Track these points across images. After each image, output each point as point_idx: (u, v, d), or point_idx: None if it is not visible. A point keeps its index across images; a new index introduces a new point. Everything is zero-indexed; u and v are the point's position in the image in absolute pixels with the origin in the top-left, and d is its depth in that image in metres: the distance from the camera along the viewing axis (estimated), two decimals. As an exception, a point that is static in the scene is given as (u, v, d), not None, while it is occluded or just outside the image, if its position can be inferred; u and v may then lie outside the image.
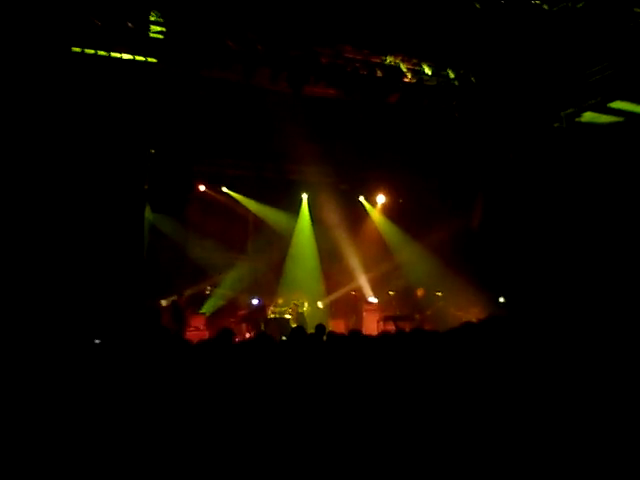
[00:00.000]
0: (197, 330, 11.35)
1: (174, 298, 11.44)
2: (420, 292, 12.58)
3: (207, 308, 12.41)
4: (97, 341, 5.16)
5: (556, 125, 10.81)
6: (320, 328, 6.50)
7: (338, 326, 12.13)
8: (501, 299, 11.82)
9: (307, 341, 5.28)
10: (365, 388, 3.70)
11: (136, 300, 9.05)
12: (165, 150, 10.95)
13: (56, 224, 8.37)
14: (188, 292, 12.01)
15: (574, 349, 3.77)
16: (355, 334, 5.12)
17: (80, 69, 8.51)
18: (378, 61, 9.94)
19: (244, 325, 11.95)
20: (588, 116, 10.49)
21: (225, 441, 3.20)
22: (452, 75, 10.36)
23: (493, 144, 11.91)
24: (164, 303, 11.55)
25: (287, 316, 12.29)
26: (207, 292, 12.06)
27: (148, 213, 10.68)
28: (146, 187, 10.18)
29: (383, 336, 4.70)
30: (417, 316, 12.03)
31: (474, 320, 11.26)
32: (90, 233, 8.75)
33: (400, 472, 2.87)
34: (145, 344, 4.55)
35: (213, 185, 13.26)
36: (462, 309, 12.00)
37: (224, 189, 13.36)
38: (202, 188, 13.10)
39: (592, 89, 9.80)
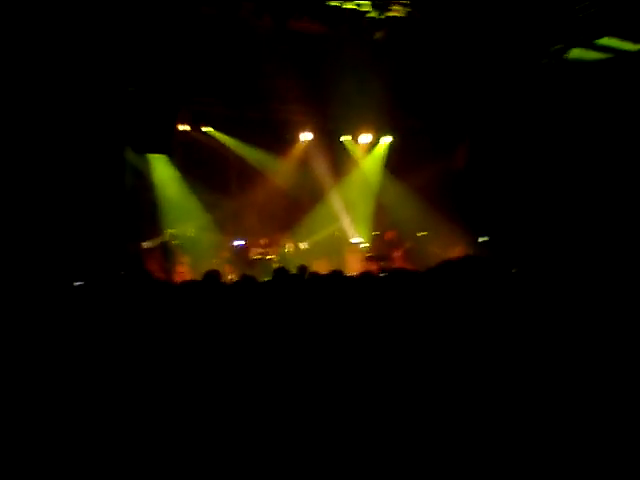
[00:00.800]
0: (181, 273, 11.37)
1: (164, 239, 11.41)
2: (389, 234, 12.79)
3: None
4: (77, 283, 5.15)
5: (544, 62, 10.65)
6: (302, 268, 6.55)
7: (321, 267, 12.22)
8: (480, 239, 11.94)
9: (290, 281, 5.33)
10: (346, 328, 3.75)
11: (118, 242, 9.03)
12: (147, 88, 10.65)
13: (34, 166, 8.21)
14: (168, 234, 11.95)
15: (557, 293, 3.77)
16: (336, 274, 5.17)
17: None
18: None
19: (227, 266, 11.98)
20: (576, 53, 10.35)
21: (210, 387, 3.23)
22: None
23: (480, 81, 11.75)
24: (146, 245, 11.52)
25: (270, 257, 12.33)
26: (190, 234, 12.02)
27: (129, 154, 10.50)
28: (127, 127, 9.96)
29: (364, 275, 4.74)
30: (393, 254, 12.23)
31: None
32: (69, 175, 8.61)
33: (384, 424, 2.93)
34: (127, 286, 4.56)
35: (195, 125, 12.97)
36: (444, 248, 12.13)
37: (207, 129, 13.09)
38: (183, 128, 12.82)
39: (580, 25, 9.62)
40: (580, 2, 9.24)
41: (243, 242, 12.44)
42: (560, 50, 10.37)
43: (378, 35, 10.35)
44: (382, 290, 4.17)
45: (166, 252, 11.35)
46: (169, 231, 11.58)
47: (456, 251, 11.77)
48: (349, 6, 9.66)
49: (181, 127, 12.69)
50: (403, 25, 10.16)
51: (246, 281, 5.50)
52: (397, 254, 12.43)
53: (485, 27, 10.27)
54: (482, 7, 9.87)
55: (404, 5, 9.90)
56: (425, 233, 12.50)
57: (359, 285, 4.51)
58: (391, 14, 9.95)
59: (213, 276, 5.01)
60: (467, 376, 3.03)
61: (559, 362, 3.03)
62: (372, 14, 9.83)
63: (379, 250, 12.91)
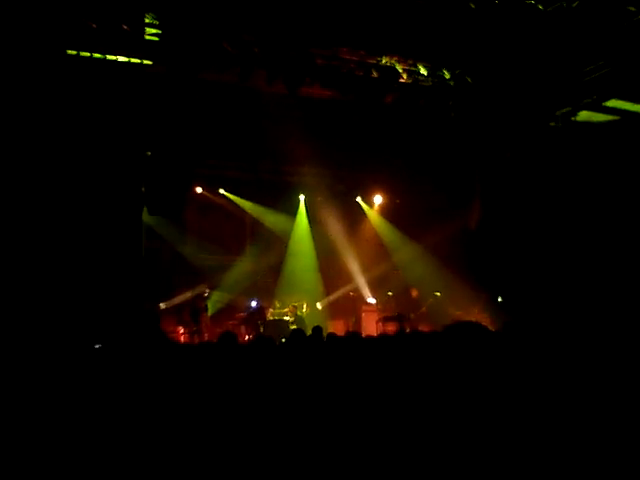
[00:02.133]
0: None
1: (192, 295, 11.50)
2: (414, 292, 12.63)
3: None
4: (97, 346, 5.16)
5: (552, 124, 10.85)
6: (317, 330, 6.51)
7: (337, 327, 12.14)
8: (499, 299, 11.83)
9: (306, 343, 5.30)
10: (364, 390, 3.71)
11: (135, 303, 9.05)
12: (162, 152, 10.97)
13: (54, 228, 8.36)
14: (185, 295, 12.01)
15: (573, 352, 3.75)
16: (353, 335, 5.14)
17: (75, 72, 8.51)
18: (374, 62, 9.99)
19: (243, 327, 11.95)
20: (584, 115, 10.54)
21: (225, 445, 3.20)
22: (448, 75, 10.40)
23: (490, 144, 11.95)
24: (163, 306, 11.57)
25: (286, 318, 12.30)
26: (205, 295, 12.06)
27: (145, 216, 10.68)
28: (143, 190, 10.18)
29: (381, 337, 4.71)
30: (412, 315, 12.07)
31: (473, 319, 11.33)
32: (88, 236, 8.74)
33: (399, 474, 2.89)
34: (145, 348, 4.56)
35: (210, 187, 13.26)
36: (461, 308, 12.02)
37: (221, 191, 13.35)
38: (199, 190, 13.10)
39: (587, 88, 9.85)
40: (587, 65, 9.49)
41: (258, 303, 12.43)
42: (568, 113, 10.58)
43: (388, 99, 10.65)
44: (400, 353, 4.13)
45: (195, 310, 11.41)
46: (200, 287, 11.67)
47: (474, 312, 11.68)
48: (359, 73, 9.99)
49: (198, 189, 12.97)
50: (412, 89, 10.44)
51: (262, 343, 5.49)
52: (417, 313, 12.29)
53: (495, 90, 10.54)
54: (492, 70, 10.17)
55: (411, 72, 10.23)
56: (438, 293, 12.42)
57: (377, 348, 4.47)
58: (400, 80, 10.26)
59: (229, 338, 4.99)
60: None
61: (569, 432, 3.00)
62: (381, 81, 10.12)
63: (399, 308, 12.79)
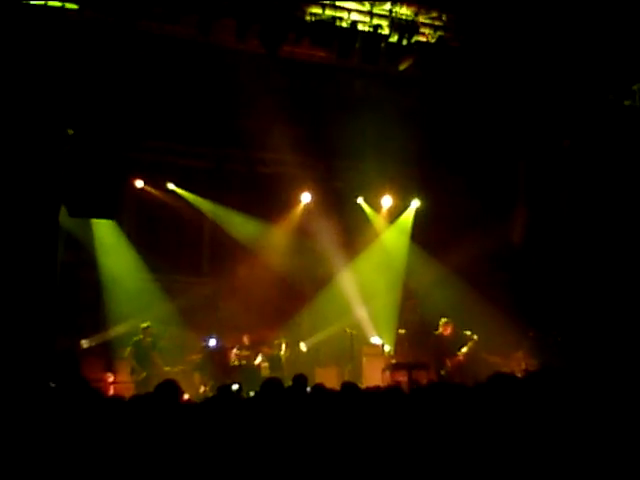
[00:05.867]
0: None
1: (138, 338, 11.41)
2: (447, 328, 12.29)
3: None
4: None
5: (627, 103, 10.90)
6: (300, 380, 6.44)
7: (328, 377, 12.05)
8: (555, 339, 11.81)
9: (284, 397, 5.24)
10: (362, 469, 3.66)
11: (45, 340, 8.95)
12: (89, 131, 10.90)
13: None
14: (119, 329, 11.90)
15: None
16: (350, 388, 5.08)
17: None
18: (384, 13, 10.02)
19: (197, 375, 11.84)
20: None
21: None
22: (484, 34, 10.45)
23: (540, 128, 12.00)
24: (85, 344, 11.45)
25: (257, 362, 12.20)
26: (147, 328, 11.96)
27: (64, 217, 10.59)
28: (61, 182, 10.10)
29: (390, 391, 4.65)
30: (448, 362, 11.83)
31: (516, 370, 11.29)
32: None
33: None
34: (58, 402, 4.49)
35: (155, 180, 13.19)
36: (498, 353, 11.99)
37: (170, 186, 13.29)
38: (140, 184, 13.02)
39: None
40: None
41: (219, 341, 12.33)
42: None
43: (402, 66, 10.67)
44: (416, 415, 4.08)
45: (141, 350, 11.33)
46: (142, 325, 11.57)
47: (516, 358, 11.62)
48: (363, 28, 10.01)
49: (138, 183, 12.89)
50: (435, 53, 10.48)
51: (223, 396, 5.39)
52: (453, 360, 11.95)
53: (550, 56, 10.58)
54: (546, 29, 10.20)
55: (435, 28, 10.25)
56: (469, 332, 12.34)
57: (382, 406, 4.42)
58: (419, 38, 10.30)
59: (168, 391, 4.88)
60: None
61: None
62: (393, 39, 10.14)
63: (425, 351, 12.63)
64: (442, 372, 11.56)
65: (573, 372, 5.32)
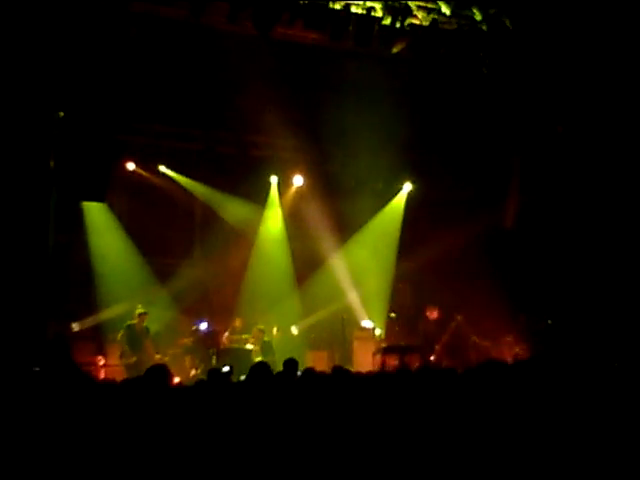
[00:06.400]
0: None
1: (132, 322, 11.38)
2: (433, 312, 12.44)
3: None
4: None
5: None
6: (291, 364, 6.46)
7: (319, 361, 12.10)
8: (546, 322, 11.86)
9: (275, 382, 5.25)
10: (352, 450, 3.67)
11: (37, 324, 8.94)
12: (79, 113, 10.84)
13: None
14: (110, 312, 11.89)
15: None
16: (341, 372, 5.10)
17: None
18: (378, -6, 9.97)
19: (188, 358, 11.86)
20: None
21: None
22: (479, 17, 10.40)
23: (534, 113, 11.98)
24: (76, 327, 11.43)
25: (248, 346, 12.21)
26: (140, 311, 11.95)
27: (54, 200, 10.56)
28: (52, 164, 10.06)
29: (380, 375, 4.67)
30: (437, 347, 11.95)
31: (506, 354, 11.35)
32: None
33: None
34: (49, 387, 4.50)
35: (147, 163, 13.14)
36: (489, 337, 12.04)
37: (162, 168, 13.25)
38: (131, 166, 12.98)
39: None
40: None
41: (210, 325, 12.34)
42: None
43: (395, 49, 10.62)
44: (406, 399, 4.10)
45: (132, 334, 11.29)
46: (139, 310, 11.52)
47: (507, 342, 11.67)
48: (357, 10, 9.96)
49: (129, 165, 12.85)
50: (428, 36, 10.44)
51: (213, 380, 5.41)
52: (441, 343, 12.07)
53: (545, 39, 10.52)
54: (541, 11, 10.13)
55: (429, 10, 10.20)
56: (459, 316, 12.40)
57: (373, 390, 4.44)
58: (413, 21, 10.25)
59: (158, 375, 4.88)
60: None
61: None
62: (387, 21, 10.11)
63: (406, 335, 12.73)
64: (432, 357, 11.63)
65: (561, 361, 5.33)
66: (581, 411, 3.65)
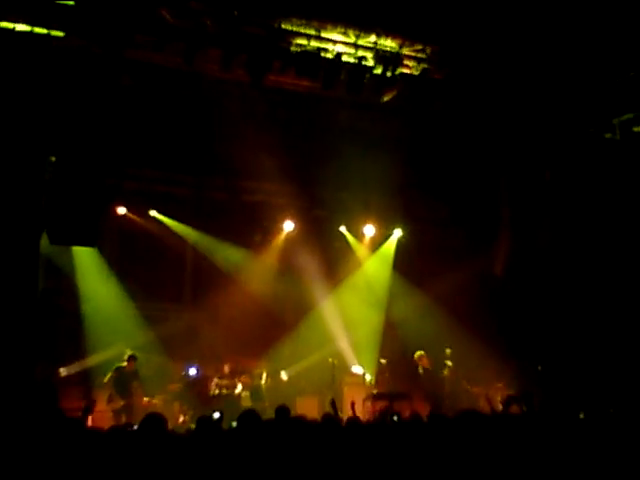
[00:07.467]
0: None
1: (121, 365, 11.29)
2: (424, 360, 12.41)
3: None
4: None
5: (608, 136, 11.05)
6: (282, 411, 6.42)
7: (309, 407, 12.01)
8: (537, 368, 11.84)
9: (265, 430, 5.22)
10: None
11: (24, 368, 8.86)
12: (72, 157, 10.88)
13: None
14: (98, 357, 11.80)
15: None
16: (331, 421, 5.08)
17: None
18: (369, 45, 10.11)
19: (177, 405, 11.75)
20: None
21: None
22: (467, 66, 10.56)
23: (523, 160, 12.12)
24: (64, 372, 11.34)
25: (238, 392, 12.14)
26: (129, 356, 11.87)
27: (44, 244, 10.55)
28: (43, 208, 10.07)
29: (373, 425, 4.66)
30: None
31: (496, 401, 11.33)
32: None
33: None
34: (35, 434, 4.46)
35: (138, 207, 13.16)
36: (480, 384, 12.01)
37: (153, 213, 13.28)
38: (122, 211, 13.00)
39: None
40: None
41: (199, 371, 12.26)
42: (629, 121, 10.77)
43: (386, 97, 10.77)
44: (399, 446, 4.09)
45: (121, 377, 11.19)
46: (128, 353, 11.44)
47: (498, 388, 11.63)
48: (348, 59, 10.10)
49: (120, 210, 12.87)
50: (418, 85, 10.58)
51: (203, 428, 5.36)
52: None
53: (533, 90, 10.70)
54: (528, 63, 10.33)
55: (419, 60, 10.36)
56: (449, 362, 12.37)
57: (364, 438, 4.42)
58: (403, 70, 10.40)
59: (154, 423, 4.85)
60: None
61: None
62: (378, 70, 10.25)
63: (397, 381, 12.67)
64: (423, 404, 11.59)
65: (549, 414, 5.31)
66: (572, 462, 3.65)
